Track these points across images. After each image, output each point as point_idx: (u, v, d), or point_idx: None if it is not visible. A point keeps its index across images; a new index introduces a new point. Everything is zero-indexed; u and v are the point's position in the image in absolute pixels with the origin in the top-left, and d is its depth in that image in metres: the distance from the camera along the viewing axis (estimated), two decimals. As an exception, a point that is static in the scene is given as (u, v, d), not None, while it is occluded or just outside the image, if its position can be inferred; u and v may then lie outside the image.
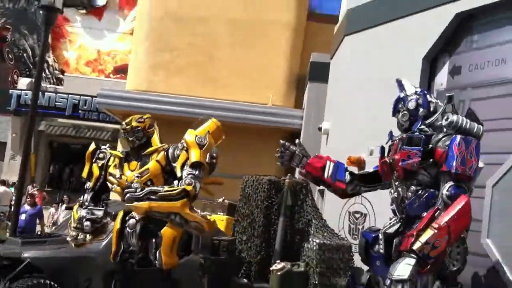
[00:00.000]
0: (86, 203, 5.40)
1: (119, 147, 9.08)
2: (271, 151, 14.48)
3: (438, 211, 3.56)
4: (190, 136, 5.07)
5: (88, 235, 5.32)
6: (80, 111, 23.55)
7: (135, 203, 4.72)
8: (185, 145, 5.07)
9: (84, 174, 5.61)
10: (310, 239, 5.50)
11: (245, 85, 13.69)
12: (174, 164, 5.11)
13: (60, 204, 16.31)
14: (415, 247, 3.42)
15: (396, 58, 6.35)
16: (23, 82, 26.00)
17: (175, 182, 4.97)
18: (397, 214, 3.91)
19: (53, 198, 20.48)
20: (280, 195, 5.71)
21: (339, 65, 8.34)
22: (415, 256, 3.41)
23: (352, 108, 7.31)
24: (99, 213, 5.36)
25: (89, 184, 5.50)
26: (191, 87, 13.87)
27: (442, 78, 5.82)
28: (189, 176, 4.88)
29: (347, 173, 4.50)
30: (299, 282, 5.15)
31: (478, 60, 5.38)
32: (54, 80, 28.60)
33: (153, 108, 12.44)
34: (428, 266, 3.43)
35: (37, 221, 11.21)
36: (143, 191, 4.77)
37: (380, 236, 3.87)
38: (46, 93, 23.66)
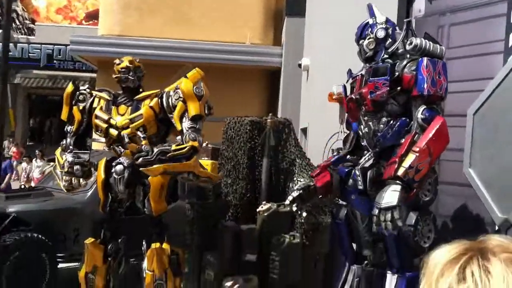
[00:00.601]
0: (70, 147, 5.27)
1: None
2: (252, 91, 14.51)
3: (417, 135, 3.57)
4: (187, 86, 4.91)
5: (81, 179, 5.26)
6: (55, 61, 23.03)
7: (149, 167, 4.64)
8: (181, 95, 4.91)
9: (63, 116, 5.37)
10: (295, 179, 5.52)
11: (221, 24, 13.39)
12: (170, 115, 4.98)
13: (33, 158, 16.08)
14: (399, 173, 3.42)
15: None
16: (-7, 34, 25.28)
17: (178, 137, 4.88)
18: (370, 149, 3.89)
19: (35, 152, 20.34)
20: (263, 136, 5.67)
21: (316, -2, 8.14)
22: (399, 182, 3.42)
23: (330, 42, 7.18)
24: (85, 156, 5.21)
25: (70, 128, 5.33)
26: (166, 28, 13.54)
27: (420, 4, 5.67)
28: (191, 130, 4.79)
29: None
30: (285, 222, 5.21)
31: (456, -17, 5.26)
32: (25, 30, 27.83)
33: (128, 52, 12.08)
34: (415, 190, 3.45)
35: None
36: (154, 153, 4.68)
37: (357, 172, 3.85)
38: (18, 44, 23.05)
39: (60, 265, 6.67)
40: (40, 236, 6.46)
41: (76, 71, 22.77)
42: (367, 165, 3.87)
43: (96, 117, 5.15)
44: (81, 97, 5.31)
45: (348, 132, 4.39)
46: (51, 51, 22.98)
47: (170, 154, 4.64)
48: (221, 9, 13.46)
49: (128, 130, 5.03)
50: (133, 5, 13.75)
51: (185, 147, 4.67)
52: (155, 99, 5.05)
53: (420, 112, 3.63)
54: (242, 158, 5.75)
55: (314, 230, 5.15)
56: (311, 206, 4.33)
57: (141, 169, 4.72)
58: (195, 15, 13.55)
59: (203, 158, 8.67)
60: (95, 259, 5.08)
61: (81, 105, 5.27)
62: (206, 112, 4.94)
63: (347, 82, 4.13)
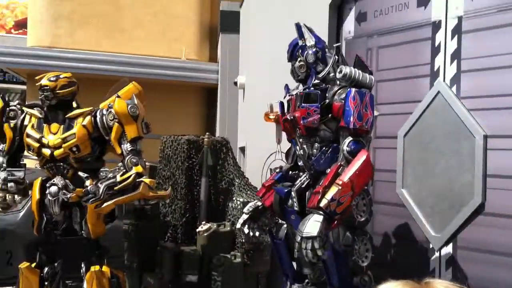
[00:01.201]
0: (4, 165, 5.12)
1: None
2: (188, 109, 14.45)
3: (341, 167, 3.64)
4: (121, 107, 4.82)
5: (16, 196, 5.10)
6: (-17, 73, 22.09)
7: (100, 207, 4.58)
8: (115, 116, 4.83)
9: None
10: (234, 198, 5.58)
11: (156, 38, 13.32)
12: (106, 137, 4.90)
13: None
14: (321, 204, 3.50)
15: (304, 5, 6.26)
16: None
17: (119, 164, 4.83)
18: (306, 169, 3.96)
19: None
20: (201, 155, 5.70)
21: (248, 13, 8.19)
22: (322, 213, 3.50)
23: (265, 60, 7.25)
24: (20, 173, 5.05)
25: (2, 146, 5.17)
26: (98, 41, 13.32)
27: (349, 26, 5.78)
28: (132, 154, 4.73)
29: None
30: (226, 242, 5.25)
31: (382, 6, 5.32)
32: None
33: (58, 65, 11.87)
34: (335, 222, 3.55)
35: None
36: (101, 191, 4.61)
37: (293, 194, 3.92)
38: None
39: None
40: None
41: (6, 83, 21.91)
42: (304, 186, 3.94)
43: (28, 135, 5.00)
44: (11, 113, 5.12)
45: (287, 147, 4.41)
46: (-24, 60, 22.03)
47: (117, 187, 4.60)
48: (155, 22, 13.38)
49: (61, 150, 4.93)
50: (64, 15, 13.44)
51: (130, 176, 4.63)
52: (88, 118, 4.94)
53: (346, 144, 3.70)
54: (180, 178, 5.76)
55: (255, 249, 5.22)
56: (262, 226, 4.37)
57: (95, 209, 4.68)
58: (129, 27, 13.41)
59: (167, 191, 8.64)
60: (30, 285, 4.93)
61: (12, 123, 5.09)
62: (144, 131, 4.88)
63: (284, 98, 4.15)
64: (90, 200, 4.61)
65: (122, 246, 5.64)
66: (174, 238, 5.61)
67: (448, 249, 4.30)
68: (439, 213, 4.35)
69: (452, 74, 4.41)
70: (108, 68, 12.16)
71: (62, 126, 4.97)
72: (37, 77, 5.09)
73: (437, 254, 4.37)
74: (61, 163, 5.02)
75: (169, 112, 12.50)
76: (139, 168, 4.67)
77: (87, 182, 4.81)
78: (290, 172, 4.23)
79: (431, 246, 4.42)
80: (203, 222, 5.46)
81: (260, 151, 6.48)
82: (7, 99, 5.30)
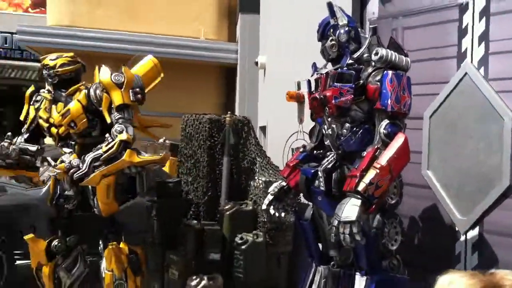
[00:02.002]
0: (20, 140, 5.24)
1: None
2: (207, 88, 14.44)
3: (378, 151, 3.60)
4: (104, 75, 4.77)
5: (13, 150, 5.15)
6: (1, 50, 22.22)
7: (86, 180, 4.52)
8: (103, 86, 4.81)
9: (22, 116, 5.36)
10: (256, 178, 5.59)
11: (175, 18, 13.25)
12: (99, 108, 4.87)
13: None
14: (359, 188, 3.46)
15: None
16: None
17: (107, 134, 4.73)
18: (333, 149, 3.94)
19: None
20: (222, 134, 5.70)
21: (270, -7, 8.09)
22: (360, 197, 3.46)
23: (287, 39, 7.19)
24: (33, 148, 5.21)
25: (25, 127, 5.31)
26: (117, 20, 13.29)
27: (373, 7, 5.74)
28: (119, 122, 4.66)
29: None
30: (248, 221, 5.27)
31: (408, -14, 5.32)
32: (-34, 16, 26.70)
33: (77, 44, 11.91)
34: (373, 206, 3.52)
35: None
36: (85, 163, 4.56)
37: (320, 174, 3.89)
38: (-41, 31, 22.13)
39: (18, 262, 6.55)
40: (-6, 232, 6.34)
41: (24, 60, 22.03)
42: (330, 166, 3.92)
43: (40, 117, 5.16)
44: (38, 97, 5.29)
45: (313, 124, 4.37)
46: (-4, 39, 22.19)
47: (102, 158, 4.52)
48: (174, 1, 13.32)
49: (62, 128, 4.99)
50: (83, -5, 13.46)
51: (114, 145, 4.52)
52: (83, 92, 4.95)
53: (383, 127, 3.66)
54: (202, 156, 5.77)
55: (277, 229, 5.23)
56: (286, 206, 4.37)
57: (80, 184, 4.65)
58: (148, 7, 13.36)
59: (160, 154, 8.63)
60: (37, 255, 5.02)
61: (37, 105, 5.26)
62: (132, 98, 4.77)
63: (311, 76, 4.11)
64: (75, 174, 4.58)
65: (144, 223, 5.69)
66: (197, 216, 5.64)
67: (475, 232, 4.27)
68: (465, 195, 4.31)
69: (479, 56, 4.37)
70: (127, 47, 12.13)
71: (63, 104, 5.04)
72: (41, 57, 5.17)
73: (463, 237, 4.34)
74: (68, 141, 5.09)
75: (188, 91, 12.49)
76: (124, 136, 4.56)
77: (71, 157, 4.80)
78: (315, 151, 4.22)
79: (457, 229, 4.40)
80: (225, 201, 5.48)
81: (281, 131, 6.47)
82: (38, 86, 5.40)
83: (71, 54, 5.28)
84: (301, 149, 4.30)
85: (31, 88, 5.34)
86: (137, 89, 4.85)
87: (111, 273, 4.82)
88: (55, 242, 5.04)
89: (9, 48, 22.15)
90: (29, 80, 20.86)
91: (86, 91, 4.95)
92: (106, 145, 4.58)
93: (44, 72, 5.12)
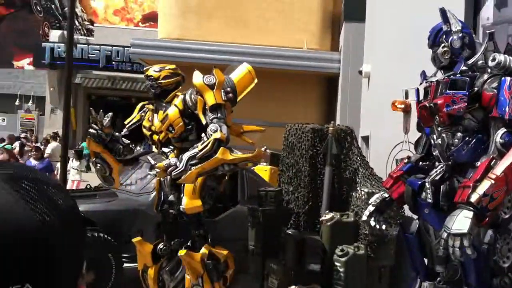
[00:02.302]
0: (119, 134, 5.49)
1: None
2: (310, 98, 14.50)
3: (494, 160, 3.39)
4: (197, 78, 4.90)
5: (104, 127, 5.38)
6: (113, 62, 23.57)
7: (182, 177, 4.66)
8: (197, 90, 4.95)
9: (126, 121, 5.62)
10: (358, 188, 5.47)
11: (278, 28, 13.42)
12: (195, 111, 5.00)
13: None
14: (472, 199, 3.27)
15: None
16: (55, 35, 26.10)
17: (203, 134, 4.85)
18: (441, 160, 3.76)
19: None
20: (325, 144, 5.63)
21: (376, 1, 8.04)
22: (472, 209, 3.27)
23: (393, 48, 7.08)
24: (125, 140, 5.43)
25: (126, 126, 5.56)
26: (223, 32, 13.68)
27: (488, 12, 5.52)
28: (213, 122, 4.77)
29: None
30: (349, 232, 5.16)
31: (527, -9, 5.09)
32: (85, 31, 28.62)
33: (186, 56, 12.39)
34: (487, 219, 3.33)
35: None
36: (182, 162, 4.69)
37: (427, 185, 3.73)
38: (78, 45, 23.71)
39: (125, 265, 6.83)
40: (106, 236, 6.63)
41: (134, 73, 23.22)
42: (439, 178, 3.75)
43: (143, 127, 5.37)
44: (145, 108, 5.52)
45: (420, 134, 4.20)
46: (109, 52, 23.54)
47: (198, 156, 4.59)
48: (278, 13, 13.49)
49: (162, 133, 5.16)
50: (192, 9, 13.96)
51: (209, 143, 4.59)
52: (180, 97, 5.13)
53: (499, 136, 3.46)
54: (303, 166, 5.74)
55: (379, 241, 5.08)
56: (388, 218, 4.24)
57: (177, 182, 4.75)
58: (252, 18, 13.64)
59: (261, 164, 8.74)
60: (144, 257, 5.21)
61: (143, 113, 5.50)
62: (224, 98, 4.85)
63: (420, 85, 3.97)
64: (173, 172, 4.68)
65: (245, 230, 5.75)
66: (297, 225, 5.61)
67: None
68: None
69: None
70: (233, 58, 12.42)
71: (163, 112, 5.21)
72: (144, 68, 5.39)
73: None
74: (169, 146, 5.26)
75: (290, 101, 12.57)
76: (217, 134, 4.62)
77: (170, 156, 4.93)
78: (421, 162, 4.06)
79: None
80: (326, 211, 5.40)
81: (385, 141, 6.32)
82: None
83: (174, 66, 5.47)
84: (406, 160, 4.15)
85: (144, 102, 5.59)
86: (228, 89, 4.95)
87: (189, 277, 4.92)
88: (160, 246, 5.22)
89: (120, 61, 23.44)
90: (138, 91, 21.92)
91: (182, 96, 5.14)
92: (202, 144, 4.67)
93: (147, 82, 5.35)
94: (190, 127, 5.06)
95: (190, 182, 4.72)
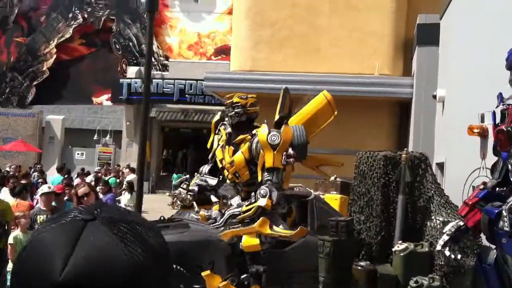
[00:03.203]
0: (204, 173, 5.46)
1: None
2: (381, 124, 14.24)
3: None
4: (261, 135, 4.85)
5: (189, 195, 5.37)
6: (187, 96, 24.20)
7: (220, 233, 4.67)
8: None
9: (208, 144, 5.63)
10: (432, 217, 5.25)
11: (350, 55, 13.33)
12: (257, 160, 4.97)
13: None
14: None
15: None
16: (132, 71, 27.14)
17: (253, 193, 4.82)
18: None
19: (169, 182, 21.32)
20: (398, 171, 5.47)
21: (451, 25, 7.84)
22: None
23: (469, 72, 6.85)
24: (212, 181, 5.39)
25: (210, 156, 5.56)
26: (294, 61, 13.74)
27: None
28: (265, 185, 4.70)
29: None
30: (424, 263, 4.94)
31: None
32: (160, 67, 29.62)
33: (258, 87, 12.49)
34: None
35: None
36: (223, 218, 4.68)
37: (505, 213, 3.55)
38: (153, 80, 24.52)
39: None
40: (178, 267, 6.67)
41: (206, 105, 23.71)
42: None
43: (216, 155, 5.38)
44: (223, 126, 5.47)
45: (496, 159, 4.03)
46: (183, 86, 24.20)
47: (239, 217, 4.62)
48: (350, 40, 13.42)
49: (230, 175, 5.11)
50: (264, 40, 14.14)
51: (252, 208, 4.58)
52: (247, 144, 5.07)
53: None
54: (375, 194, 5.58)
55: (455, 273, 4.83)
56: (464, 248, 4.05)
57: (240, 237, 4.75)
58: (323, 46, 13.64)
59: (331, 193, 8.58)
60: None
61: (218, 137, 5.46)
62: (283, 163, 4.74)
63: (496, 107, 3.85)
64: (211, 227, 4.65)
65: (314, 261, 5.62)
66: (369, 256, 5.43)
67: None
68: None
69: None
70: (304, 87, 12.44)
71: (233, 150, 5.15)
72: (226, 96, 5.39)
73: None
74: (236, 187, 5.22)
75: (362, 127, 12.39)
76: (263, 201, 4.55)
77: (213, 208, 4.94)
78: (497, 188, 3.86)
79: None
80: (400, 242, 5.21)
81: (461, 167, 6.05)
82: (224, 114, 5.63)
83: (254, 95, 5.47)
84: (481, 187, 3.96)
85: (217, 117, 5.58)
86: (291, 153, 4.82)
87: None
88: (228, 280, 5.19)
89: (193, 94, 24.01)
90: (209, 123, 22.28)
91: (249, 144, 5.08)
92: (247, 205, 4.66)
93: (232, 110, 5.27)
94: (256, 174, 5.01)
95: (223, 239, 4.79)
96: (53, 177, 16.20)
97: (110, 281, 0.79)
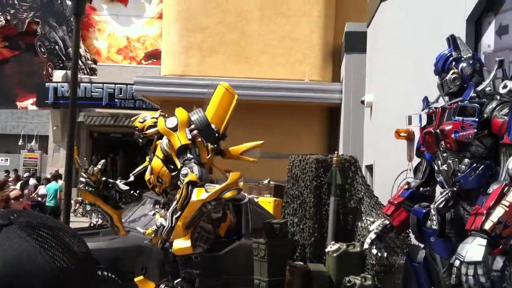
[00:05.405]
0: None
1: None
2: (312, 129, 14.45)
3: (507, 187, 3.34)
4: (160, 125, 4.89)
5: (97, 169, 5.30)
6: (116, 100, 23.66)
7: (172, 236, 4.55)
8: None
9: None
10: (363, 218, 5.43)
11: (280, 62, 13.52)
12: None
13: None
14: (487, 226, 3.22)
15: (438, 21, 6.10)
16: (58, 75, 26.30)
17: (178, 182, 4.79)
18: (446, 186, 3.73)
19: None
20: (329, 174, 5.62)
21: (377, 32, 8.12)
22: (486, 236, 3.23)
23: (395, 77, 7.11)
24: (123, 187, 5.37)
25: (134, 172, 5.51)
26: (226, 67, 13.78)
27: (489, 39, 5.54)
28: (184, 165, 4.72)
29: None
30: (356, 263, 5.10)
31: (527, 17, 5.11)
32: (88, 71, 28.89)
33: (188, 92, 12.42)
34: (500, 246, 3.27)
35: None
36: (168, 219, 4.60)
37: (433, 212, 3.69)
38: (81, 84, 23.89)
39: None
40: (109, 274, 6.53)
41: (137, 109, 23.29)
42: (443, 205, 3.71)
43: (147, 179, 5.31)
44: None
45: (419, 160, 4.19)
46: (112, 90, 23.66)
47: (178, 205, 4.52)
48: (279, 46, 13.60)
49: (157, 188, 5.09)
50: (195, 45, 14.09)
51: (182, 189, 4.53)
52: (158, 147, 5.06)
53: (511, 162, 3.43)
54: (308, 197, 5.71)
55: (387, 271, 5.01)
56: (393, 247, 4.20)
57: (170, 241, 4.67)
58: (254, 52, 13.75)
59: (265, 196, 8.67)
60: None
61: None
62: (189, 137, 4.78)
63: (422, 111, 3.98)
64: (163, 232, 4.59)
65: (249, 264, 5.67)
66: (303, 257, 5.54)
67: None
68: None
69: None
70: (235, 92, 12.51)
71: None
72: (133, 118, 5.35)
73: None
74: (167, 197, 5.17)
75: (293, 132, 12.57)
76: (188, 177, 4.54)
77: (156, 217, 4.86)
78: (421, 188, 4.03)
79: None
80: (332, 242, 5.35)
81: (389, 170, 6.28)
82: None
83: (157, 114, 5.35)
84: (406, 186, 4.12)
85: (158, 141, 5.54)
86: (192, 126, 4.86)
87: None
88: (162, 286, 5.13)
89: (123, 98, 23.55)
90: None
91: (160, 145, 5.05)
92: (178, 192, 4.62)
93: (136, 133, 5.28)
94: (176, 172, 4.95)
95: (181, 237, 4.59)
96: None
97: (28, 285, 0.77)
